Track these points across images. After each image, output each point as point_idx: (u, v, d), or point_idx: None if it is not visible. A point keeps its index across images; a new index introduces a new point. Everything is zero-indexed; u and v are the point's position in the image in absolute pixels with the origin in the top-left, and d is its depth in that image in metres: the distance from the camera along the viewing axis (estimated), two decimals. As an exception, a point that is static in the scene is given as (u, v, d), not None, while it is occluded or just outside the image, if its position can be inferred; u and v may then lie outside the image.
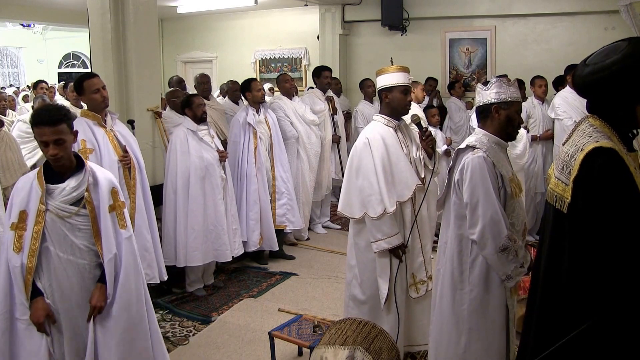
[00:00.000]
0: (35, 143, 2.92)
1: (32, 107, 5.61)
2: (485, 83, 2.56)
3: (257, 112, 5.07)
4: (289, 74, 6.51)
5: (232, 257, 4.53)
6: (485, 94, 2.53)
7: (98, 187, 2.46)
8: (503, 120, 2.49)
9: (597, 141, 1.79)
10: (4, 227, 2.48)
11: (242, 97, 5.42)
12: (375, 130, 3.09)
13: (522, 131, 5.05)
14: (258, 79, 7.64)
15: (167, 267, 3.94)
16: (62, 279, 2.42)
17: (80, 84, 3.51)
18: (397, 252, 3.04)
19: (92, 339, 2.42)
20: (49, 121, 2.33)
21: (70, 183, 2.41)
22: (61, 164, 2.40)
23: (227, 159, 4.50)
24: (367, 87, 6.75)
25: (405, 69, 3.11)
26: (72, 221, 2.41)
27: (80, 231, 2.42)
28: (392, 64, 3.16)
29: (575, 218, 1.81)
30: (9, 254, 2.38)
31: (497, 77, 2.55)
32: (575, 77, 1.95)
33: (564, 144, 1.97)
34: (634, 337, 1.76)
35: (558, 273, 1.88)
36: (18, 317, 2.40)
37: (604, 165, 1.75)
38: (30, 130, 5.01)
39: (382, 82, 3.12)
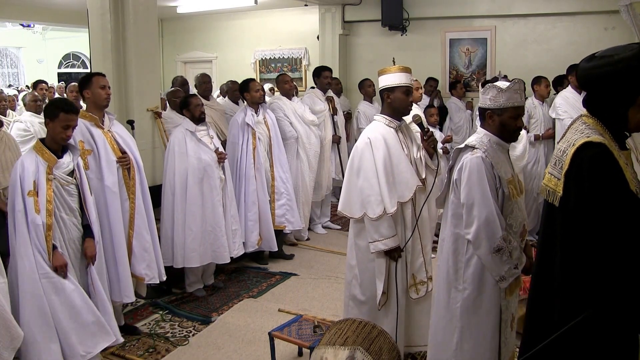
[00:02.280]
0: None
1: (24, 103, 5.61)
2: (485, 84, 2.55)
3: (256, 112, 5.07)
4: (289, 74, 6.50)
5: (232, 258, 4.53)
6: (482, 98, 2.54)
7: (78, 161, 3.17)
8: (497, 126, 2.50)
9: (588, 137, 1.82)
10: (15, 196, 2.95)
11: (242, 98, 5.41)
12: (377, 130, 3.08)
13: (522, 132, 5.05)
14: (258, 79, 7.65)
15: (166, 268, 3.94)
16: (65, 235, 3.06)
17: (89, 78, 3.57)
18: (393, 254, 3.03)
19: (93, 278, 3.16)
20: (76, 110, 3.08)
21: (67, 158, 3.08)
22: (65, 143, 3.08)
23: (226, 160, 4.49)
24: (367, 87, 6.75)
25: (407, 70, 3.09)
26: (68, 188, 3.07)
27: (72, 196, 3.09)
28: (394, 64, 3.15)
29: (566, 211, 1.82)
30: (32, 216, 2.91)
31: (492, 80, 2.53)
32: (580, 68, 1.96)
33: (558, 142, 1.99)
34: (624, 329, 1.77)
35: (550, 266, 1.90)
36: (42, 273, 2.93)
37: (593, 157, 1.78)
38: (30, 131, 5.05)
39: (384, 82, 3.10)
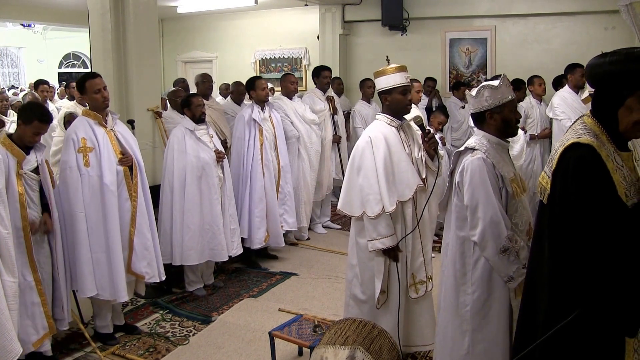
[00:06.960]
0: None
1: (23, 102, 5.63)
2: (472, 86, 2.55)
3: (262, 110, 5.08)
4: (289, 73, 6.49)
5: (230, 257, 4.53)
6: (476, 102, 2.53)
7: (42, 159, 3.26)
8: (500, 124, 2.50)
9: (579, 137, 1.84)
10: None
11: (248, 96, 5.41)
12: (378, 129, 3.08)
13: (520, 132, 5.06)
14: (259, 79, 7.64)
15: (166, 267, 3.95)
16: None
17: (82, 84, 3.54)
18: (391, 253, 3.04)
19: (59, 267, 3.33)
20: (50, 120, 3.26)
21: (32, 156, 3.19)
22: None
23: (224, 159, 4.48)
24: (366, 87, 6.72)
25: (402, 68, 3.08)
26: (31, 183, 3.18)
27: (34, 191, 3.20)
28: (389, 63, 3.14)
29: (553, 208, 1.85)
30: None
31: (484, 82, 2.54)
32: (589, 65, 1.96)
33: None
34: (608, 331, 1.78)
35: (540, 264, 1.91)
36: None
37: (578, 159, 1.80)
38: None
39: (380, 84, 3.11)
